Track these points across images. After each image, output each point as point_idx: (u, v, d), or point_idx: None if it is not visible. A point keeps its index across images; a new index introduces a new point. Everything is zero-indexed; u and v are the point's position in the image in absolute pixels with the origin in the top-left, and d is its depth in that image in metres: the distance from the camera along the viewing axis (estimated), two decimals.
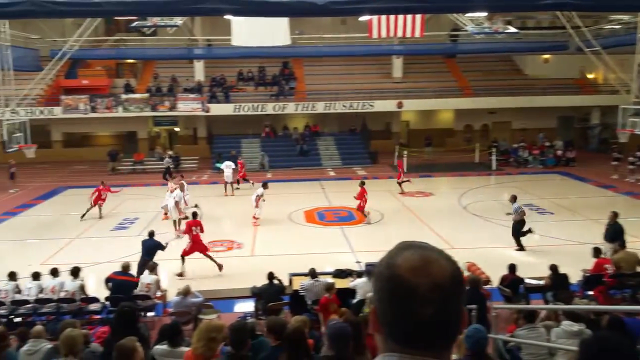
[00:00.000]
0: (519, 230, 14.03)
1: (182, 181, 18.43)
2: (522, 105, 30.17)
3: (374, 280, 1.25)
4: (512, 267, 10.00)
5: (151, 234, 12.28)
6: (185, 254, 12.57)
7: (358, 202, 17.14)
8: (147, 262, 11.26)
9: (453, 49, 32.38)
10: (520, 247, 13.94)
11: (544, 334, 6.74)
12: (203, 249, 12.78)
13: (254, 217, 17.14)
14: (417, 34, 24.23)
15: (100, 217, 18.27)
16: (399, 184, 21.56)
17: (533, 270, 11.05)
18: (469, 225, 16.77)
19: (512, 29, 23.47)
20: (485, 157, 27.97)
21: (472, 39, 27.01)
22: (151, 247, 11.84)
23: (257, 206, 17.02)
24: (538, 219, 17.31)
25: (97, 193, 18.26)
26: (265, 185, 17.68)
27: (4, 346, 6.25)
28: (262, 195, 17.08)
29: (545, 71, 32.51)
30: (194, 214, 13.31)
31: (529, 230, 13.99)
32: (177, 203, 16.38)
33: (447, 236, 14.86)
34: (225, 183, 21.71)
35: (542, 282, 10.06)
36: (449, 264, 1.23)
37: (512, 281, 9.82)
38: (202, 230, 12.88)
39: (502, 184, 24.22)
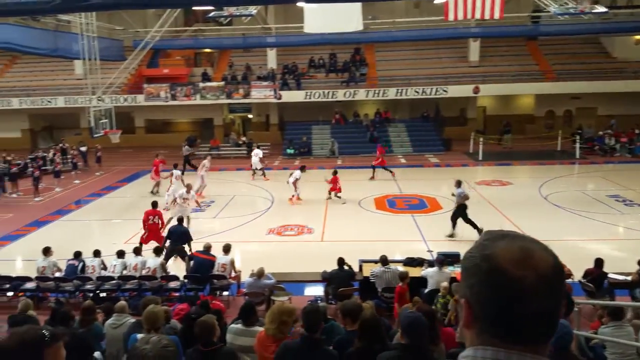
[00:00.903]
0: (460, 214, 13.67)
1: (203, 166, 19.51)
2: (609, 90, 28.35)
3: (468, 273, 1.17)
4: (598, 262, 9.44)
5: (180, 220, 12.56)
6: (143, 241, 12.64)
7: (331, 185, 18.07)
8: (179, 248, 11.83)
9: (534, 31, 30.72)
10: (452, 234, 13.75)
11: (632, 333, 6.35)
12: (159, 239, 12.65)
13: (296, 198, 18.09)
14: (497, 15, 23.08)
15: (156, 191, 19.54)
16: (374, 168, 21.55)
17: (619, 265, 10.39)
18: (549, 216, 15.96)
19: (600, 9, 21.84)
20: (568, 144, 26.57)
21: (555, 20, 25.51)
22: (181, 233, 12.11)
23: (295, 189, 18.03)
24: (625, 211, 16.29)
25: (155, 167, 19.74)
26: (302, 169, 18.68)
27: (92, 319, 6.66)
28: (299, 179, 18.04)
29: (636, 53, 30.31)
30: (154, 204, 13.50)
31: (479, 230, 13.02)
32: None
33: (525, 227, 14.18)
34: (253, 169, 22.64)
35: (629, 278, 9.45)
36: (548, 254, 1.15)
37: (597, 276, 9.28)
38: (162, 222, 13.06)
39: (586, 173, 22.92)
